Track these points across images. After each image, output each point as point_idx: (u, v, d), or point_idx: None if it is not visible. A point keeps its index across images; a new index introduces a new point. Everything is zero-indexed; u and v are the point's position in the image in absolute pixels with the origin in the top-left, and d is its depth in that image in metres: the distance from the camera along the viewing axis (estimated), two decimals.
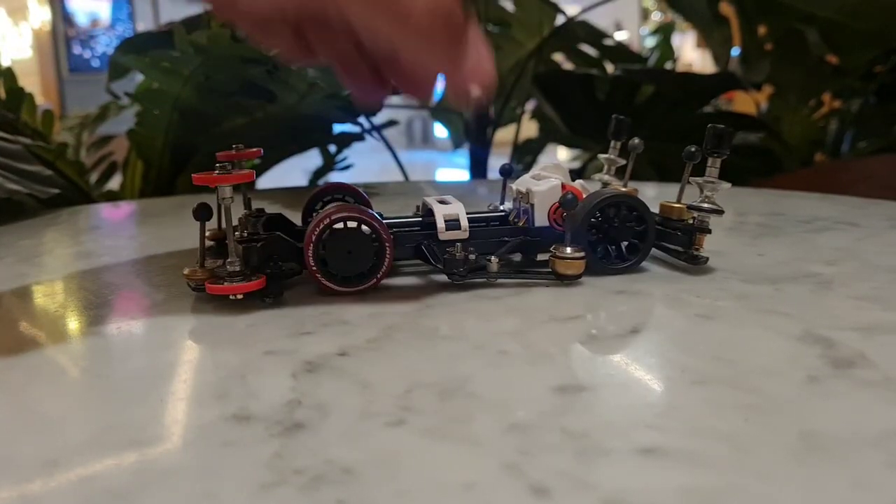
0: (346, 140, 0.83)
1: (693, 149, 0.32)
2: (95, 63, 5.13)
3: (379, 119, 0.83)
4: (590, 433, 0.18)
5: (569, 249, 0.30)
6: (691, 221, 0.33)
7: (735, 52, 1.21)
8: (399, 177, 0.97)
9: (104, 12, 5.25)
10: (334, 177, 0.91)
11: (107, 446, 0.18)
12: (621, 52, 1.22)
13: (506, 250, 0.32)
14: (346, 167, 0.89)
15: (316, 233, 0.29)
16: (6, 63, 0.74)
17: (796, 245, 0.39)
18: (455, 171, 3.19)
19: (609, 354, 0.24)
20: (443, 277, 0.31)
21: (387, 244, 0.30)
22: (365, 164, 1.00)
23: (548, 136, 1.25)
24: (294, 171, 0.98)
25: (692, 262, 0.33)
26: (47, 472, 0.17)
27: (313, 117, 0.72)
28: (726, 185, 0.32)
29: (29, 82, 0.77)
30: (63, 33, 5.22)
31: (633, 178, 0.38)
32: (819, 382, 0.21)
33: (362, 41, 0.26)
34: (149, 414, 0.20)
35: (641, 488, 0.16)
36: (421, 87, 0.28)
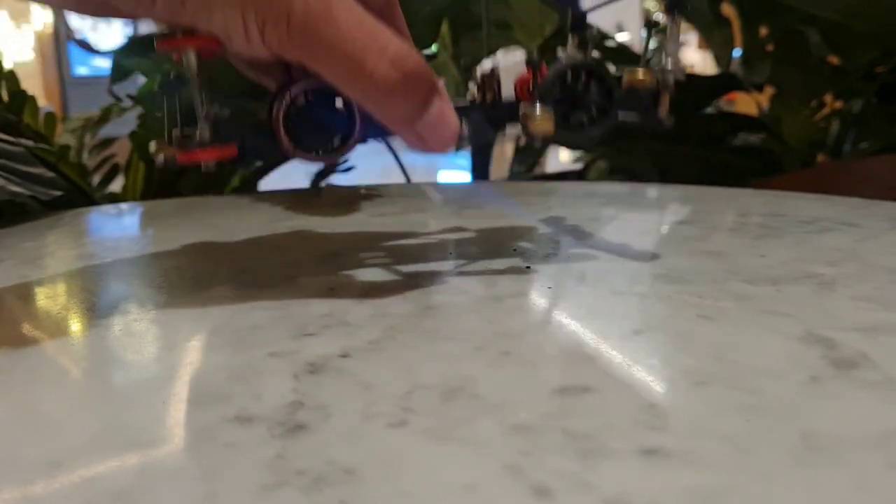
0: None
1: None
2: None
3: None
4: (592, 434, 0.18)
5: (538, 110, 0.31)
6: (655, 85, 0.34)
7: (736, 53, 1.21)
8: (401, 178, 0.97)
9: None
10: (336, 179, 0.91)
11: (109, 447, 0.18)
12: (623, 54, 1.22)
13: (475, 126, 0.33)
14: (348, 169, 0.89)
15: (283, 104, 0.29)
16: (8, 66, 0.75)
17: (798, 246, 0.39)
18: (457, 172, 3.18)
19: (611, 355, 0.24)
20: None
21: (355, 110, 0.30)
22: (366, 166, 1.00)
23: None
24: (295, 173, 0.98)
25: (657, 126, 0.34)
26: (49, 474, 0.17)
27: None
28: (684, 42, 0.33)
29: (31, 85, 0.77)
30: (65, 35, 5.23)
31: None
32: (821, 383, 0.21)
33: None
34: (150, 415, 0.20)
35: (643, 489, 0.16)
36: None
